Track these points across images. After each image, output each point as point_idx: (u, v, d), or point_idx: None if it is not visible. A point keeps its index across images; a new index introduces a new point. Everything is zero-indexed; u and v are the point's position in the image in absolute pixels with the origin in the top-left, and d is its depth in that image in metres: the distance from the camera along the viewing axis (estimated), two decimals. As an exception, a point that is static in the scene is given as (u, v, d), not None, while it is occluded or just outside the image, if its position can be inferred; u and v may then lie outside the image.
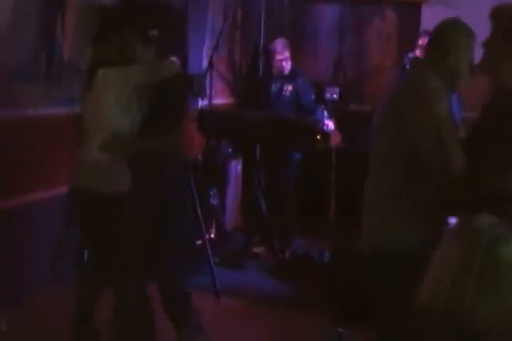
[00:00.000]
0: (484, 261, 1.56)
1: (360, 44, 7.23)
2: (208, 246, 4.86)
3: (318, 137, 5.26)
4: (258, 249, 5.80)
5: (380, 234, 2.86)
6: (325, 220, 5.85)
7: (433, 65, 2.80)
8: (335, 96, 5.98)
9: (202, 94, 5.15)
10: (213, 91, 5.65)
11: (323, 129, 5.54)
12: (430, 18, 6.12)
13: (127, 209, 3.27)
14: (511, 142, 2.53)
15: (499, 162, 2.56)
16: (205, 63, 5.61)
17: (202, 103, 5.49)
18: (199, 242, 5.12)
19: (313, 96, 5.81)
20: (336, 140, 5.77)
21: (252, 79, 6.09)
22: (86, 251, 3.89)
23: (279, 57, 5.71)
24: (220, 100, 6.05)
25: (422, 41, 5.46)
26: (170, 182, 3.51)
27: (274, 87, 5.78)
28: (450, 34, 2.82)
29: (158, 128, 3.28)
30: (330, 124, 5.71)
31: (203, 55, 5.63)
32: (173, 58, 3.44)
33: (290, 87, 5.77)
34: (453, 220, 3.89)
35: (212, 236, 5.68)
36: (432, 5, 6.72)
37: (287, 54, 5.75)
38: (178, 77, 3.34)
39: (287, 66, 5.78)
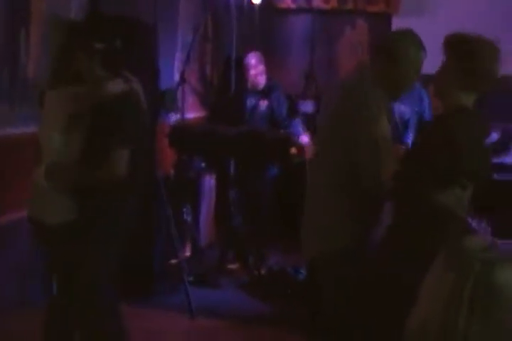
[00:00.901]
0: (477, 287, 1.46)
1: (331, 55, 7.26)
2: (183, 265, 4.75)
3: (293, 151, 5.23)
4: (233, 266, 5.73)
5: (320, 236, 3.01)
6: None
7: (379, 75, 2.85)
8: (310, 109, 6.06)
9: (174, 108, 5.09)
10: (185, 105, 5.59)
11: (299, 142, 5.52)
12: (400, 28, 6.16)
13: (70, 239, 3.15)
14: (444, 160, 2.61)
15: (428, 178, 2.64)
16: (176, 77, 5.55)
17: (174, 117, 5.42)
18: (174, 261, 5.01)
19: (286, 110, 5.78)
20: (311, 153, 5.71)
21: (224, 93, 6.03)
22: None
23: (253, 71, 5.66)
24: (191, 114, 5.99)
25: None
26: (118, 213, 3.26)
27: (250, 101, 5.73)
28: (399, 44, 2.86)
29: (100, 155, 3.08)
30: (305, 137, 5.68)
31: (174, 69, 5.57)
32: (133, 77, 3.26)
33: (266, 102, 5.73)
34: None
35: (186, 253, 5.59)
36: (402, 15, 6.79)
37: (262, 68, 5.70)
38: (122, 99, 3.10)
39: (262, 80, 5.73)
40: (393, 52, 2.87)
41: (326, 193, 2.98)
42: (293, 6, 7.17)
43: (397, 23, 6.66)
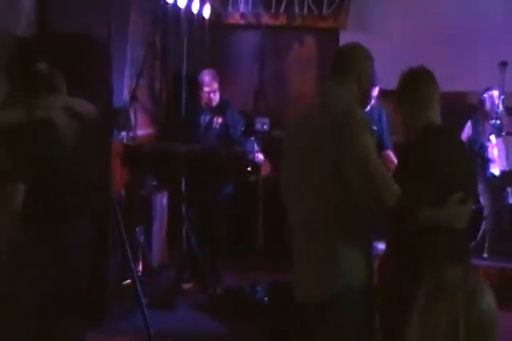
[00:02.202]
0: (466, 316, 1.59)
1: (281, 70, 7.29)
2: (139, 287, 4.63)
3: (249, 168, 5.28)
4: (188, 285, 5.65)
5: (321, 277, 2.74)
6: (256, 251, 6.02)
7: (348, 90, 2.84)
8: (265, 127, 6.02)
9: (126, 127, 5.03)
10: (136, 123, 5.55)
11: (254, 160, 5.58)
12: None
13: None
14: (429, 176, 2.70)
15: (420, 195, 2.67)
16: (125, 94, 5.48)
17: (125, 135, 5.33)
18: (127, 282, 4.90)
19: (242, 128, 5.79)
20: (266, 170, 5.88)
21: (174, 110, 6.00)
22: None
23: (207, 89, 5.67)
24: (141, 131, 5.91)
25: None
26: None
27: (204, 119, 5.74)
28: (358, 58, 2.89)
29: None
30: (260, 155, 5.75)
31: (123, 85, 5.49)
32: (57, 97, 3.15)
33: (220, 120, 5.74)
34: (381, 245, 3.96)
35: (140, 274, 5.42)
36: (349, 31, 6.94)
37: (215, 85, 5.72)
38: (12, 131, 2.93)
39: (215, 98, 5.74)
40: (355, 67, 2.88)
41: (320, 231, 2.73)
42: (242, 22, 7.22)
43: (345, 39, 6.74)
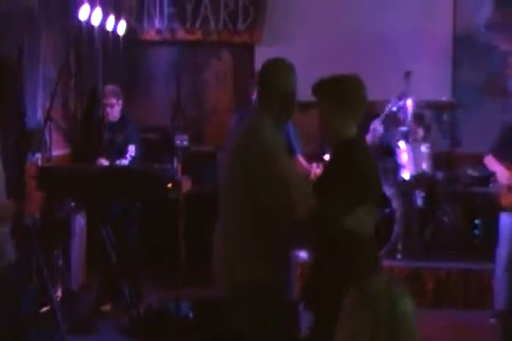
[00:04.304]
0: (387, 321, 1.73)
1: (198, 85, 7.34)
2: (58, 313, 4.52)
3: (169, 185, 5.11)
4: (107, 308, 5.55)
5: (233, 275, 3.04)
6: (178, 269, 5.96)
7: (267, 107, 2.96)
8: (185, 142, 5.97)
9: (40, 148, 4.95)
10: (51, 144, 5.45)
11: (174, 177, 5.42)
12: (263, 57, 6.14)
13: None
14: (346, 187, 2.85)
15: (336, 204, 2.86)
16: (39, 115, 5.38)
17: (39, 157, 5.20)
18: (46, 309, 4.76)
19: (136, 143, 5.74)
20: (187, 186, 5.77)
21: (88, 128, 6.00)
22: None
23: (105, 102, 5.69)
24: (57, 152, 5.81)
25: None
26: None
27: (107, 134, 5.71)
28: (277, 74, 2.99)
29: None
30: (180, 172, 5.75)
31: (36, 106, 5.38)
32: None
33: (121, 135, 5.72)
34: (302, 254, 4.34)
35: (59, 299, 5.25)
36: (264, 45, 7.04)
37: (113, 100, 5.70)
38: None
39: (113, 112, 5.72)
40: (273, 82, 2.99)
41: (238, 231, 3.02)
42: (157, 38, 7.20)
43: (260, 53, 6.89)
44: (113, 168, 5.30)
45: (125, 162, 5.54)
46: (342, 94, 2.91)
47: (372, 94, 5.72)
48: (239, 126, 3.19)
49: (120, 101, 5.76)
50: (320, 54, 6.75)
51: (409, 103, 6.19)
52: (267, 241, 2.96)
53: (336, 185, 2.86)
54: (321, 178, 3.11)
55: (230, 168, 3.04)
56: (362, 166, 2.92)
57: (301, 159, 5.49)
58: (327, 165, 3.13)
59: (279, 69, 3.03)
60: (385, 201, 5.89)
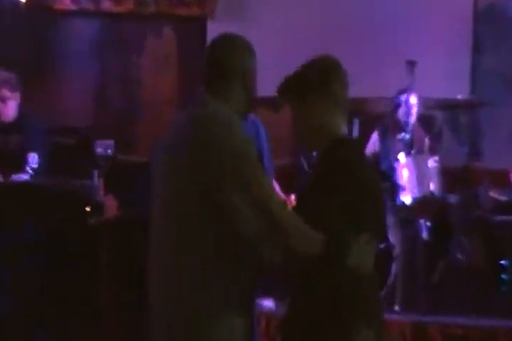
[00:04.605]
0: None
1: (128, 70, 6.80)
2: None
3: (87, 209, 4.92)
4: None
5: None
6: (95, 313, 5.41)
7: (222, 93, 2.73)
8: (109, 151, 5.29)
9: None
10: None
11: (94, 197, 5.12)
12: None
13: None
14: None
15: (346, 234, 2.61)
16: None
17: None
18: None
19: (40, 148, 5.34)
20: (111, 211, 5.40)
21: None
22: None
23: None
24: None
25: None
26: None
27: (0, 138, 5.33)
28: (237, 53, 2.77)
29: None
30: (102, 189, 5.32)
31: None
32: None
33: (16, 139, 5.27)
34: (267, 303, 4.47)
35: None
36: (219, 20, 6.58)
37: (6, 93, 5.16)
38: None
39: (5, 109, 5.18)
40: (229, 66, 2.74)
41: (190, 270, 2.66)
42: (74, 7, 6.61)
43: (214, 29, 6.29)
44: (6, 185, 4.97)
45: (24, 177, 5.14)
46: (324, 83, 2.67)
47: (363, 90, 5.31)
48: (181, 116, 2.84)
49: (17, 94, 5.20)
50: (293, 36, 6.34)
51: (412, 101, 5.46)
52: (234, 282, 2.65)
53: (335, 203, 2.54)
54: (309, 193, 2.78)
55: (173, 177, 2.68)
56: (364, 173, 2.67)
57: (276, 185, 4.82)
58: (314, 174, 2.90)
59: (234, 46, 2.78)
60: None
